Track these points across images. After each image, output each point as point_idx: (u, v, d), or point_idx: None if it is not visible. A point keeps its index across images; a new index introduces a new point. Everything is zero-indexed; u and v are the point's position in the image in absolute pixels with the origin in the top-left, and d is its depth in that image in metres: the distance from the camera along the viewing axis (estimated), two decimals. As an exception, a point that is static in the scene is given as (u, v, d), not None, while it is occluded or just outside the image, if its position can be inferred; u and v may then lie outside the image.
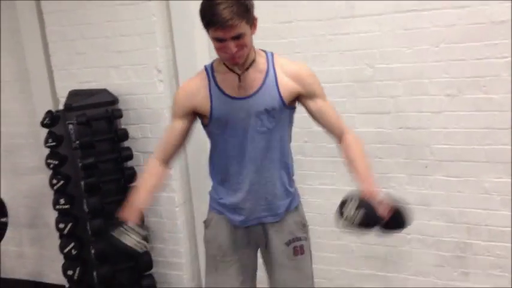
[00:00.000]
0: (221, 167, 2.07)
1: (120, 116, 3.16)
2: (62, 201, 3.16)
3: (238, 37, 1.70)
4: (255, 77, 1.89)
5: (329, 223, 3.14)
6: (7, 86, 3.88)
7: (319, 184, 3.16)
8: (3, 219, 3.49)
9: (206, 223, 2.20)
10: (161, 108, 3.24)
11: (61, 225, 3.19)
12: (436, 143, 2.80)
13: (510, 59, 2.54)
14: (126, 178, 3.15)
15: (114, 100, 3.20)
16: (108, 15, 3.24)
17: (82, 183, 3.07)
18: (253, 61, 1.89)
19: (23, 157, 4.02)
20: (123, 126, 3.28)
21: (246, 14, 1.70)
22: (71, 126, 3.11)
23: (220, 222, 2.13)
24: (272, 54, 1.96)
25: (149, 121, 3.30)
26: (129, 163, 3.26)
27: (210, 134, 2.05)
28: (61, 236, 3.26)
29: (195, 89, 1.95)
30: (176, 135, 2.01)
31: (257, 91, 1.89)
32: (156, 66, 3.18)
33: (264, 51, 1.96)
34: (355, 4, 2.82)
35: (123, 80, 3.30)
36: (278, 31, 3.03)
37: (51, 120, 3.13)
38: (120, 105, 3.28)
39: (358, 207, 1.76)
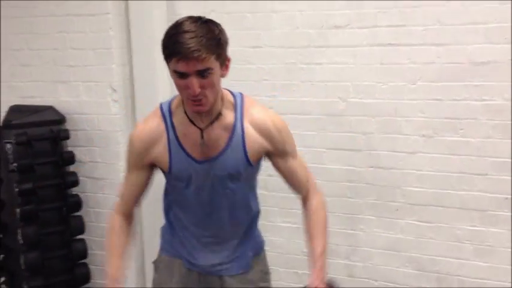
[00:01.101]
0: (177, 216, 1.84)
1: (67, 137, 2.85)
2: (-7, 227, 2.80)
3: (203, 73, 1.40)
4: (219, 135, 1.60)
5: (291, 265, 2.95)
6: None
7: (282, 222, 2.94)
8: None
9: (155, 265, 1.95)
10: (114, 130, 2.95)
11: (-10, 258, 2.82)
12: (408, 185, 2.65)
13: (488, 102, 2.44)
14: (69, 206, 2.85)
15: (60, 119, 2.89)
16: (59, 25, 2.95)
17: (18, 210, 2.73)
18: (220, 114, 1.60)
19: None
20: (69, 149, 2.97)
21: (217, 48, 1.43)
22: (8, 146, 2.77)
23: (171, 265, 1.89)
24: (242, 100, 1.64)
25: (99, 144, 3.00)
26: (74, 190, 2.94)
27: (167, 182, 1.80)
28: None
29: (152, 138, 1.64)
30: (135, 188, 1.74)
31: (221, 153, 1.62)
32: (111, 85, 2.91)
33: (233, 94, 1.67)
34: (330, 34, 2.66)
35: (72, 98, 3.00)
36: (246, 56, 2.83)
37: (-17, 138, 2.78)
38: (68, 125, 2.98)
39: None
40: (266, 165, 2.80)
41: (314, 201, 1.77)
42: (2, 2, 3.03)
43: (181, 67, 1.39)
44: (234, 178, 1.67)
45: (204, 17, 1.49)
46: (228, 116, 1.60)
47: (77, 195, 2.91)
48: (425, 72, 2.52)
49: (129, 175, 1.73)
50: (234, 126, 1.60)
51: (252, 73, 2.82)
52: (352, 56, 2.64)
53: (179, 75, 1.42)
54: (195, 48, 1.36)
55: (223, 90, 1.63)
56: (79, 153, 3.02)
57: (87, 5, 2.86)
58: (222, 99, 1.60)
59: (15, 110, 2.91)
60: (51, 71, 3.03)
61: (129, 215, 1.79)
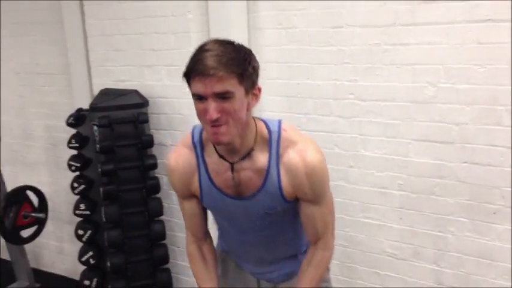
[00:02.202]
0: (223, 236, 1.82)
1: (146, 121, 2.89)
2: (82, 206, 2.97)
3: (223, 96, 1.27)
4: (252, 177, 1.47)
5: (372, 264, 2.71)
6: (51, 79, 3.76)
7: (364, 217, 2.70)
8: (41, 215, 3.38)
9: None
10: (192, 114, 2.88)
11: (80, 232, 3.00)
12: (508, 185, 2.26)
13: None
14: (147, 188, 2.89)
15: (143, 103, 2.94)
16: (144, 9, 2.98)
17: (101, 189, 2.85)
18: (251, 151, 1.45)
19: (67, 151, 3.92)
20: (152, 132, 3.03)
21: (240, 69, 1.28)
22: (95, 128, 2.90)
23: (226, 260, 1.86)
24: (279, 136, 1.46)
25: (180, 128, 3.01)
26: (155, 172, 3.00)
27: None
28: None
29: (187, 172, 1.56)
30: (194, 217, 1.69)
31: (255, 193, 1.50)
32: (190, 69, 2.87)
33: (267, 126, 1.48)
34: (419, 9, 2.33)
35: (156, 81, 3.03)
36: (326, 37, 2.60)
37: (75, 119, 2.94)
38: (151, 109, 3.03)
39: None
40: (346, 155, 2.61)
41: (319, 255, 1.61)
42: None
43: (199, 87, 1.28)
44: (272, 215, 1.55)
45: (233, 41, 1.35)
46: (262, 157, 1.46)
47: (155, 178, 2.96)
48: (531, 53, 2.10)
49: (182, 205, 1.69)
50: (268, 169, 1.46)
51: (332, 56, 2.60)
52: (445, 35, 2.29)
53: (198, 98, 1.31)
54: (213, 65, 1.25)
55: (259, 123, 1.47)
56: (161, 136, 3.07)
57: (168, -12, 2.85)
58: (256, 134, 1.45)
59: (104, 93, 3.03)
60: (138, 55, 3.08)
61: (202, 240, 1.74)
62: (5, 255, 3.75)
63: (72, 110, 3.48)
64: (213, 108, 1.27)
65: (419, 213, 2.52)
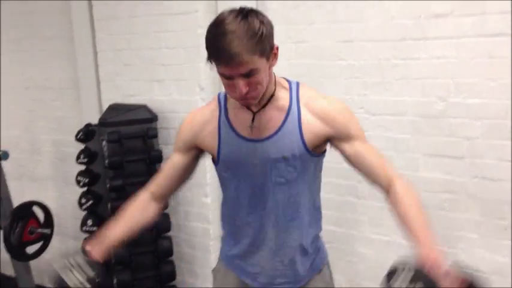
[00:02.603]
0: (230, 218, 1.73)
1: (155, 136, 2.89)
2: (89, 222, 2.95)
3: (249, 74, 1.35)
4: (272, 115, 1.52)
5: (380, 280, 2.67)
6: (60, 93, 3.78)
7: (372, 233, 2.67)
8: (46, 230, 3.36)
9: (214, 273, 1.88)
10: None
11: (87, 248, 2.97)
12: (520, 200, 2.23)
13: None
14: (156, 204, 2.87)
15: (152, 118, 2.95)
16: (154, 25, 3.00)
17: (109, 205, 2.84)
18: (273, 96, 1.52)
19: (75, 166, 3.93)
20: (161, 146, 3.03)
21: (260, 45, 1.33)
22: (104, 143, 2.90)
23: (227, 276, 1.79)
24: (298, 86, 1.56)
25: (188, 143, 3.00)
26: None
27: (219, 176, 1.70)
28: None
29: (203, 122, 1.61)
30: (174, 171, 1.68)
31: (274, 133, 1.52)
32: (199, 83, 2.89)
33: (288, 80, 1.58)
34: (429, 24, 2.33)
35: (165, 96, 3.05)
36: (336, 51, 2.61)
37: (85, 135, 2.95)
38: (161, 123, 3.03)
39: (413, 280, 1.30)
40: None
41: (399, 186, 1.52)
42: (108, 3, 3.17)
43: (224, 71, 1.36)
44: (289, 164, 1.53)
45: (245, 9, 1.39)
46: (282, 99, 1.54)
47: (164, 193, 2.94)
48: (543, 67, 2.09)
49: (171, 157, 1.69)
50: (289, 107, 1.52)
51: (342, 70, 2.60)
52: (455, 49, 2.29)
53: (224, 77, 1.38)
54: (235, 51, 1.30)
55: (278, 77, 1.56)
56: (170, 151, 3.01)
57: (179, 4, 2.87)
58: (275, 84, 1.53)
59: (113, 108, 3.04)
60: (148, 70, 3.10)
61: (158, 197, 1.71)
62: (9, 271, 3.72)
63: (81, 125, 3.50)
64: (241, 85, 1.35)
65: (430, 229, 2.50)
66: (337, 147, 1.56)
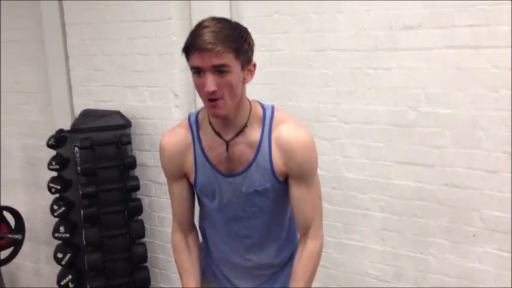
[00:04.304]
0: (210, 236, 1.77)
1: (128, 143, 2.87)
2: (61, 229, 2.92)
3: (220, 70, 1.33)
4: (244, 151, 1.51)
5: (355, 285, 2.72)
6: (31, 98, 3.72)
7: (346, 239, 2.72)
8: (17, 236, 3.31)
9: None
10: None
11: (59, 255, 2.94)
12: (488, 208, 2.30)
13: None
14: (129, 210, 2.86)
15: (125, 124, 2.93)
16: (127, 31, 2.98)
17: (81, 212, 2.81)
18: (246, 126, 1.51)
19: (45, 171, 3.86)
20: (134, 152, 3.01)
21: (236, 45, 1.36)
22: (76, 149, 2.86)
23: (205, 286, 1.81)
24: (272, 114, 1.54)
25: (162, 149, 2.99)
26: (139, 193, 2.98)
27: (196, 193, 1.72)
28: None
29: (180, 150, 1.59)
30: (183, 200, 1.69)
31: (246, 169, 1.53)
32: (173, 90, 2.88)
33: (263, 107, 1.55)
34: (400, 35, 2.38)
35: (139, 102, 3.02)
36: (309, 60, 2.64)
37: (56, 141, 2.91)
38: (134, 129, 3.02)
39: None
40: (328, 177, 2.64)
41: (311, 246, 1.60)
42: (80, 9, 3.13)
43: (197, 60, 1.34)
44: (262, 195, 1.56)
45: (230, 19, 1.43)
46: (254, 132, 1.51)
47: (138, 200, 2.93)
48: (509, 79, 2.15)
49: (171, 188, 1.69)
50: (260, 143, 1.50)
51: (315, 78, 2.63)
52: (425, 60, 2.34)
53: (196, 72, 1.37)
54: (210, 40, 1.31)
55: (253, 102, 1.54)
56: (144, 157, 3.05)
57: (152, 10, 2.85)
58: (250, 111, 1.51)
59: (85, 115, 3.01)
60: (121, 76, 3.08)
61: (187, 230, 1.74)
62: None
63: (52, 130, 3.45)
64: (210, 80, 1.33)
65: (401, 235, 2.55)
66: (287, 180, 1.57)
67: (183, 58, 2.76)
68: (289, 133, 1.51)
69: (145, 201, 3.04)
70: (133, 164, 2.86)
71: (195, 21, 2.76)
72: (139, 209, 2.89)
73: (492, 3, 2.15)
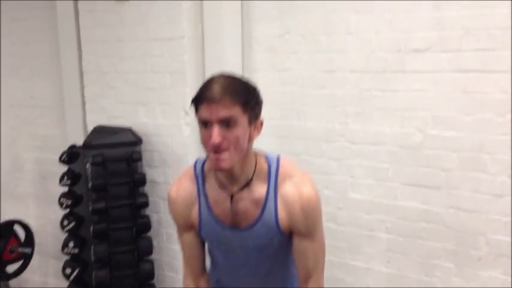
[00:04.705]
0: (216, 270, 1.79)
1: (139, 159, 2.92)
2: (71, 244, 2.95)
3: (227, 123, 1.34)
4: (249, 207, 1.52)
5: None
6: (45, 112, 3.79)
7: (352, 260, 2.72)
8: (27, 250, 3.35)
9: None
10: (185, 153, 2.96)
11: (67, 271, 2.97)
12: (493, 232, 2.30)
13: None
14: (138, 227, 2.89)
15: (136, 141, 2.97)
16: (141, 49, 3.03)
17: (91, 227, 2.85)
18: (250, 181, 1.50)
19: (57, 185, 3.92)
20: (144, 169, 3.05)
21: (245, 99, 1.37)
22: (88, 165, 2.91)
23: None
24: (277, 169, 1.52)
25: (173, 166, 3.03)
26: (148, 210, 3.01)
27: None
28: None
29: (187, 204, 1.59)
30: (193, 250, 1.70)
31: (252, 225, 1.53)
32: (184, 108, 2.92)
33: (267, 159, 1.54)
34: (408, 58, 2.41)
35: (150, 119, 3.07)
36: (318, 80, 2.68)
37: (69, 157, 2.96)
38: (145, 146, 3.06)
39: None
40: (335, 197, 2.65)
41: None
42: (95, 26, 3.21)
43: (205, 113, 1.34)
44: (268, 248, 1.58)
45: (241, 76, 1.46)
46: (260, 188, 1.51)
47: (146, 217, 2.96)
48: (516, 104, 2.18)
49: (181, 237, 1.70)
50: (266, 200, 1.50)
51: (324, 99, 2.67)
52: (433, 83, 2.37)
53: (203, 125, 1.37)
54: (219, 93, 1.33)
55: (259, 157, 1.53)
56: (154, 173, 3.09)
57: (166, 29, 2.91)
58: (256, 166, 1.51)
59: (98, 131, 3.06)
60: (133, 93, 3.13)
61: (199, 275, 1.73)
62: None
63: (65, 144, 3.51)
64: (216, 132, 1.33)
65: (407, 257, 2.55)
66: (292, 236, 1.56)
67: (195, 76, 2.81)
68: (293, 191, 1.49)
69: (153, 218, 3.08)
70: (143, 180, 2.90)
71: (207, 41, 2.85)
72: (147, 226, 2.92)
73: (499, 28, 2.18)
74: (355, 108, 2.60)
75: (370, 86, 2.54)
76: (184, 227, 1.64)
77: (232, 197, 1.51)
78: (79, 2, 3.25)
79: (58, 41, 3.46)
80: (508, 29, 2.16)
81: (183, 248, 1.71)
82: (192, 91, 2.92)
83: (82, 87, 3.38)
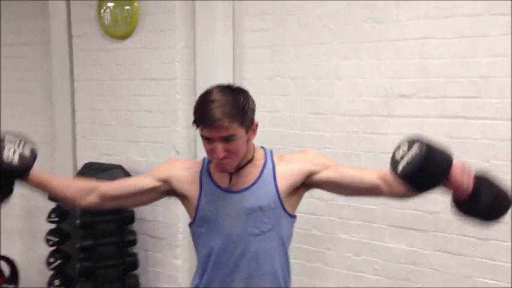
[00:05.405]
0: (202, 272, 1.75)
1: (128, 198, 2.91)
2: (56, 282, 2.92)
3: (227, 139, 1.49)
4: (250, 171, 1.65)
5: None
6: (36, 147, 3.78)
7: None
8: (11, 286, 3.31)
9: None
10: (175, 192, 2.97)
11: (52, 309, 2.93)
12: (480, 275, 2.33)
13: None
14: (125, 265, 2.87)
15: (126, 178, 2.98)
16: (134, 88, 3.09)
17: (77, 265, 2.82)
18: (250, 160, 1.65)
19: (43, 220, 3.89)
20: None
21: (241, 115, 1.50)
22: (77, 202, 2.90)
23: None
24: (271, 150, 1.72)
25: (162, 204, 3.01)
26: (135, 247, 3.00)
27: (193, 236, 1.75)
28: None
29: (185, 168, 1.71)
30: (134, 187, 1.72)
31: (251, 185, 1.64)
32: (175, 147, 2.96)
33: (263, 148, 1.72)
34: (395, 103, 2.49)
35: (141, 157, 3.10)
36: (308, 122, 2.74)
37: (57, 193, 2.94)
38: (135, 184, 3.07)
39: (410, 146, 1.39)
40: (324, 237, 2.65)
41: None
42: (89, 65, 3.27)
43: (206, 133, 1.49)
44: (264, 215, 1.62)
45: (233, 85, 1.59)
46: (258, 159, 1.67)
47: (134, 255, 2.95)
48: (499, 150, 2.25)
49: (141, 176, 1.76)
50: (265, 163, 1.66)
51: (313, 140, 2.72)
52: (419, 128, 2.43)
53: (206, 140, 1.51)
54: (218, 117, 1.45)
55: (257, 147, 1.69)
56: (143, 211, 3.09)
57: (159, 70, 2.98)
58: (254, 150, 1.66)
59: (88, 168, 3.07)
60: (125, 131, 3.17)
61: (99, 193, 1.71)
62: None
63: (54, 180, 3.49)
64: (220, 149, 1.49)
65: (394, 299, 2.56)
66: (319, 180, 1.65)
67: (186, 116, 2.88)
68: (292, 153, 1.75)
69: (141, 255, 3.06)
70: (131, 218, 2.91)
71: (198, 82, 2.91)
72: (135, 264, 2.90)
73: (481, 74, 2.27)
74: (343, 150, 2.65)
75: (358, 128, 2.61)
76: (159, 177, 1.69)
77: (231, 175, 1.62)
78: (73, 41, 3.32)
79: (51, 78, 3.51)
80: (491, 78, 2.25)
81: (128, 179, 1.87)
82: (182, 130, 2.98)
83: (73, 124, 3.42)
